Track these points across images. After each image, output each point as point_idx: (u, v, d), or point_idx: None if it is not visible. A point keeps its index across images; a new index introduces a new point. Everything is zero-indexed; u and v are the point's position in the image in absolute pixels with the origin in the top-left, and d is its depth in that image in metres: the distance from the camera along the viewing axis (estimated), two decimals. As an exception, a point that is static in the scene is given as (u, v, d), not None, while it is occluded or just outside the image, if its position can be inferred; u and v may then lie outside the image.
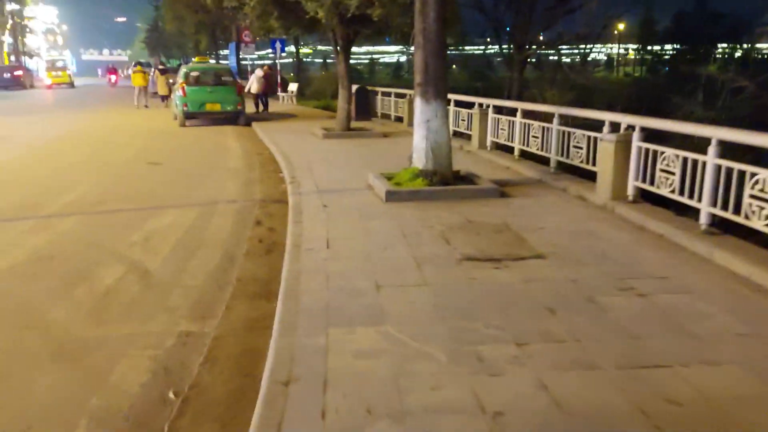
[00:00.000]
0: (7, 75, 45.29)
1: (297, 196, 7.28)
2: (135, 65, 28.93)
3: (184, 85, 16.71)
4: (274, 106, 22.23)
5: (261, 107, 20.77)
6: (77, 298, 4.37)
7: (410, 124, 13.68)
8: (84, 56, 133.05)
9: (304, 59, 41.76)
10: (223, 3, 12.96)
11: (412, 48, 7.58)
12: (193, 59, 24.24)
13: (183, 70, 17.72)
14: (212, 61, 33.25)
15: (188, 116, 16.84)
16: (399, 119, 16.56)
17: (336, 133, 13.47)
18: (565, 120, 8.78)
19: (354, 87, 15.81)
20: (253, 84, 20.36)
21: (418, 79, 7.42)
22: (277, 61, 27.35)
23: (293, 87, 25.81)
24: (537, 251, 5.01)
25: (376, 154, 10.90)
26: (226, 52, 37.30)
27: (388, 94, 17.74)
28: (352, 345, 3.26)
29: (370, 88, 18.76)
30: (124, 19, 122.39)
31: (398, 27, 12.02)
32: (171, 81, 23.35)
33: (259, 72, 20.91)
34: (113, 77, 51.25)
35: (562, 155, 8.32)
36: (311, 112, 21.28)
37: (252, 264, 5.20)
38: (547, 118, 9.13)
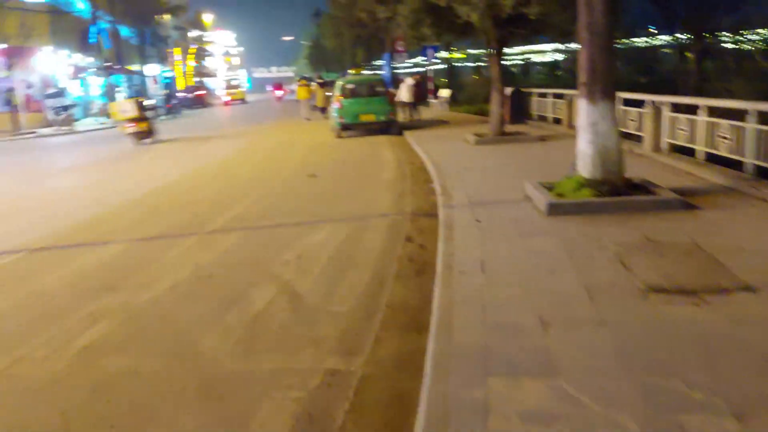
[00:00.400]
0: (190, 95, 50.34)
1: (448, 209, 6.86)
2: (300, 80, 30.51)
3: (340, 98, 17.12)
4: (425, 113, 22.13)
5: (412, 115, 20.74)
6: (228, 323, 4.32)
7: (570, 126, 12.69)
8: (255, 74, 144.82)
9: (456, 64, 41.39)
10: (377, 15, 13.01)
11: (572, 45, 6.83)
12: (349, 71, 24.98)
13: (339, 83, 18.16)
14: (366, 72, 34.09)
15: (344, 128, 17.21)
16: (557, 121, 15.51)
17: (489, 139, 12.88)
18: (765, 117, 7.43)
19: (508, 89, 15.09)
20: (403, 93, 20.39)
21: (583, 78, 6.66)
22: (429, 67, 27.30)
23: (445, 93, 25.55)
24: (743, 281, 4.09)
25: (534, 161, 10.16)
26: (381, 62, 38.22)
27: (545, 95, 16.74)
28: (517, 403, 2.74)
29: (524, 89, 17.85)
30: (291, 37, 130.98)
31: (556, 24, 11.18)
32: (329, 94, 24.21)
33: (408, 80, 20.91)
34: (279, 92, 55.06)
35: (762, 159, 7.04)
36: (464, 117, 20.82)
37: (402, 287, 4.86)
38: (735, 115, 7.82)
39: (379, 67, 37.95)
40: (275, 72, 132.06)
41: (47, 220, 8.33)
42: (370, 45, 32.89)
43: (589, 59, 6.58)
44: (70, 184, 11.87)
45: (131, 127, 17.82)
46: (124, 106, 18.36)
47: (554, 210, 6.25)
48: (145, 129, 18.12)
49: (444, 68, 36.86)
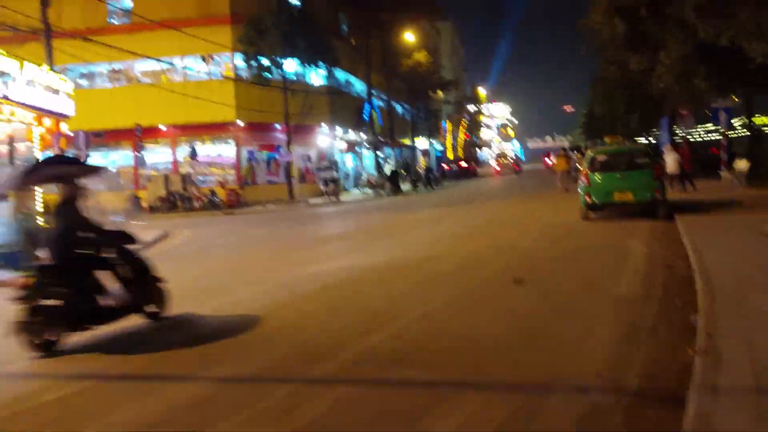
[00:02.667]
0: (455, 167, 50.87)
1: (707, 397, 3.66)
2: (559, 151, 28.75)
3: (587, 172, 14.02)
4: (714, 191, 17.42)
5: (685, 189, 16.45)
6: None
7: None
8: (530, 143, 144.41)
9: (763, 128, 33.93)
10: (630, 66, 9.97)
11: None
12: (604, 140, 21.41)
13: (588, 154, 15.02)
14: (641, 141, 29.79)
15: (592, 208, 13.99)
16: None
17: (806, 237, 8.62)
18: None
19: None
20: (669, 163, 16.39)
21: None
22: (726, 134, 22.14)
23: (742, 165, 20.15)
24: None
25: None
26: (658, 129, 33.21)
27: None
28: None
29: None
30: (569, 107, 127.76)
31: None
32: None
33: (668, 147, 16.86)
34: (550, 161, 52.73)
35: None
36: (767, 199, 15.70)
37: None
38: None
39: (657, 136, 32.99)
40: (550, 142, 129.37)
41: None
42: (645, 109, 28.59)
43: None
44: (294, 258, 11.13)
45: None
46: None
47: None
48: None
49: (746, 134, 30.25)
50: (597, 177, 13.83)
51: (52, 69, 18.53)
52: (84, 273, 6.38)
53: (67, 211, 6.49)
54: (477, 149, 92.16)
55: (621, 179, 13.64)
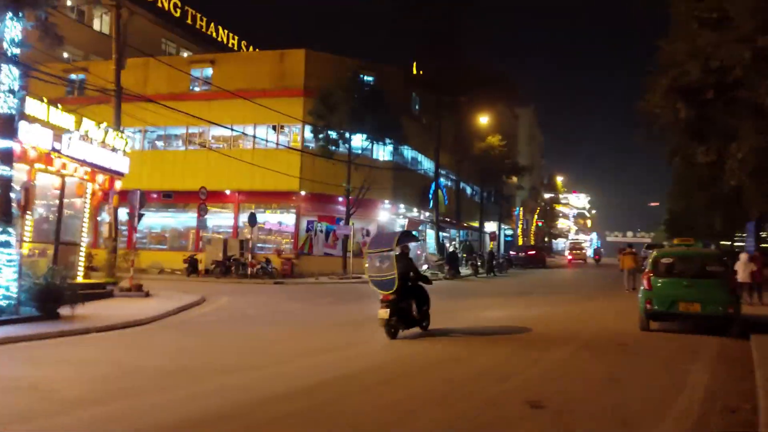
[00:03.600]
0: (522, 254, 48.82)
1: None
2: (625, 248, 26.89)
3: (650, 275, 12.37)
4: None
5: (761, 301, 14.36)
6: None
7: None
8: (609, 237, 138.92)
9: None
10: (696, 160, 8.66)
11: None
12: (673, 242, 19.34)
13: (652, 255, 13.35)
14: (728, 244, 27.38)
15: (653, 317, 12.25)
16: None
17: None
18: None
19: None
20: (739, 271, 14.48)
21: None
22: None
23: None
24: None
25: None
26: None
27: None
28: None
29: None
30: (656, 203, 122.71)
31: None
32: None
33: (743, 256, 14.88)
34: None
35: None
36: None
37: None
38: None
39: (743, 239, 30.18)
40: (630, 237, 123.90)
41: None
42: (728, 209, 26.23)
43: None
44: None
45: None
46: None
47: None
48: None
49: None
50: (659, 282, 12.16)
51: (119, 130, 19.04)
52: (410, 297, 11.23)
53: (405, 260, 11.28)
54: (551, 238, 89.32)
55: (688, 287, 11.90)
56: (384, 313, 10.57)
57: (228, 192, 31.48)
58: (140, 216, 20.25)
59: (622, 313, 15.11)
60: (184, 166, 31.88)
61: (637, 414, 6.40)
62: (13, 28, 12.49)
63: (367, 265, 11.90)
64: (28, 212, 13.66)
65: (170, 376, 7.81)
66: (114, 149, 17.68)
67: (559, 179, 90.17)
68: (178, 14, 41.80)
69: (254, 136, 31.78)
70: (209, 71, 33.10)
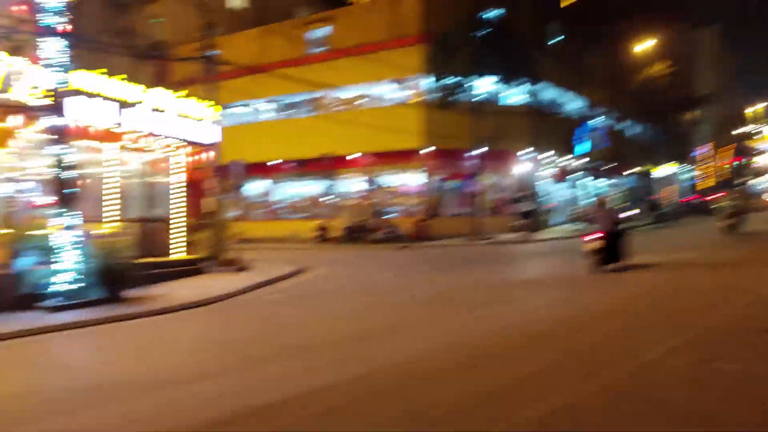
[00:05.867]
0: (693, 201, 41.85)
1: None
2: None
3: None
4: None
5: None
6: None
7: None
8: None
9: None
10: None
11: None
12: None
13: None
14: None
15: None
16: None
17: None
18: None
19: None
20: None
21: None
22: None
23: None
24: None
25: None
26: None
27: None
28: None
29: None
30: None
31: None
32: None
33: None
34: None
35: None
36: None
37: None
38: None
39: None
40: None
41: None
42: None
43: None
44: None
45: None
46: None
47: None
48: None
49: None
50: None
51: (208, 100, 18.17)
52: (614, 239, 13.00)
53: (608, 210, 14.01)
54: (748, 179, 76.96)
55: None
56: (595, 245, 12.92)
57: (352, 156, 30.15)
58: (241, 186, 19.60)
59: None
60: (308, 133, 31.12)
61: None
62: (53, -2, 11.69)
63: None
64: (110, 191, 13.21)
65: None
66: (199, 120, 16.83)
67: (762, 106, 76.63)
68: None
69: (370, 96, 29.96)
70: (326, 30, 31.74)
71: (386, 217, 28.99)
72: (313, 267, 17.35)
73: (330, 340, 7.85)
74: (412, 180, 29.99)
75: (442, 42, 26.53)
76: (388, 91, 29.96)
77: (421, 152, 28.45)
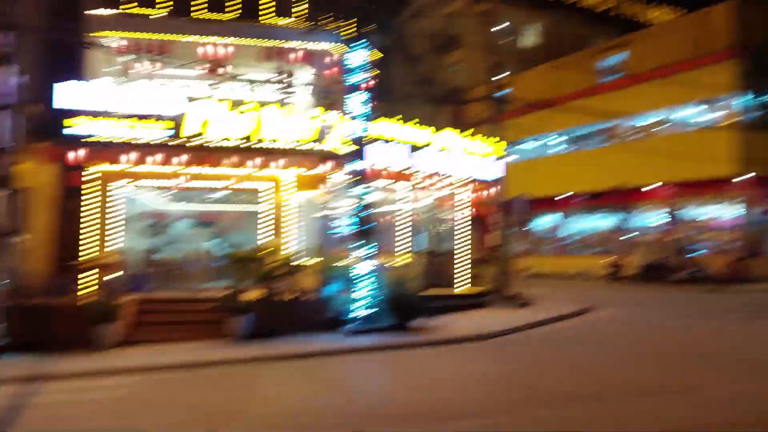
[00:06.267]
0: None
1: None
2: None
3: None
4: None
5: None
6: None
7: None
8: None
9: None
10: None
11: None
12: None
13: None
14: None
15: None
16: None
17: None
18: None
19: None
20: None
21: None
22: None
23: None
24: None
25: None
26: None
27: None
28: None
29: None
30: None
31: None
32: None
33: None
34: None
35: None
36: None
37: None
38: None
39: None
40: None
41: None
42: None
43: None
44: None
45: None
46: None
47: None
48: None
49: None
50: None
51: (494, 138, 18.74)
52: None
53: None
54: None
55: None
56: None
57: (649, 187, 27.65)
58: (527, 221, 19.60)
59: None
60: (600, 165, 29.64)
61: None
62: (359, 56, 13.51)
63: None
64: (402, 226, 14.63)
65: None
66: (484, 157, 17.46)
67: None
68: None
69: (670, 120, 27.19)
70: (621, 56, 30.06)
71: (691, 254, 25.77)
72: (601, 306, 16.33)
73: (591, 391, 7.26)
74: (724, 212, 26.17)
75: (759, 54, 22.84)
76: (691, 115, 26.90)
77: (734, 180, 24.70)
